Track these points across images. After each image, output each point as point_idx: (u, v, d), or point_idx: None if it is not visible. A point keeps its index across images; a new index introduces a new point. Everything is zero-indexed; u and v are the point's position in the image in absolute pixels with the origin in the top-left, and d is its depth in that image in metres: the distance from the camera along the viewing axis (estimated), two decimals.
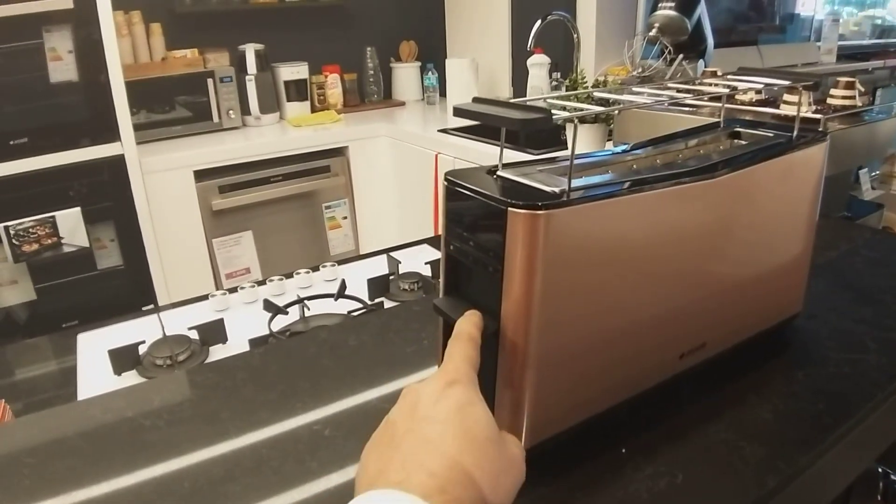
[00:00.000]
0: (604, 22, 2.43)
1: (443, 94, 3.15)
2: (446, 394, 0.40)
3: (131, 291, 2.26)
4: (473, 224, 0.50)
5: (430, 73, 3.19)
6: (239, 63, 2.71)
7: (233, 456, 0.59)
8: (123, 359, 0.96)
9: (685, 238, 0.56)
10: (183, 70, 2.55)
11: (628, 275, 0.53)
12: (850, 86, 1.39)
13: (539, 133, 2.39)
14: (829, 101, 1.41)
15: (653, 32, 1.87)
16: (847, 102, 1.39)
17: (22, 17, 1.89)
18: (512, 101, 0.48)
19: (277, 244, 2.63)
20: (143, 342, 0.99)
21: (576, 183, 0.49)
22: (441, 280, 0.55)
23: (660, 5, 1.87)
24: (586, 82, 1.86)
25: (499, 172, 0.53)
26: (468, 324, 0.47)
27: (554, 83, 2.50)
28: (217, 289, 1.21)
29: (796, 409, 0.63)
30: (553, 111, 0.44)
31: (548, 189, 0.48)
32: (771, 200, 0.64)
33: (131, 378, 0.94)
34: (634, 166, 0.61)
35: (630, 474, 0.54)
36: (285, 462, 0.58)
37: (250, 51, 2.70)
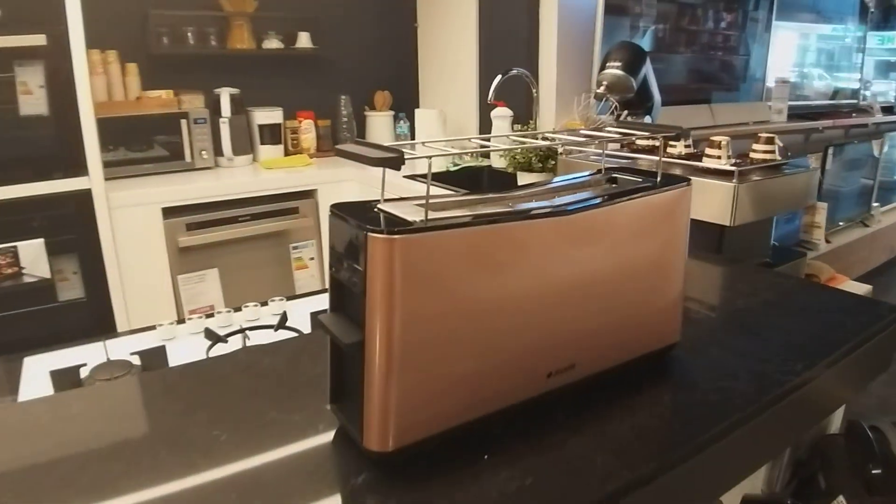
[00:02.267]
0: (563, 78, 2.56)
1: None
2: None
3: (92, 324, 2.28)
4: (346, 247, 0.57)
5: (401, 121, 3.30)
6: (214, 106, 2.79)
7: (130, 453, 0.64)
8: (64, 379, 1.00)
9: (539, 268, 0.63)
10: (157, 110, 2.62)
11: (482, 298, 0.60)
12: (769, 141, 1.50)
13: (500, 178, 2.52)
14: (752, 154, 1.51)
15: (601, 90, 1.98)
16: (767, 156, 1.49)
17: None
18: (380, 144, 0.55)
19: (243, 282, 2.67)
20: (85, 364, 1.04)
21: (439, 215, 0.56)
22: (329, 298, 0.62)
23: (607, 65, 1.99)
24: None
25: (379, 206, 0.60)
26: None
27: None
28: None
29: (656, 428, 0.69)
30: (406, 152, 0.51)
31: (409, 218, 0.55)
32: (632, 237, 0.71)
33: None
34: (510, 203, 0.68)
35: (487, 478, 0.60)
36: (179, 461, 0.63)
37: (225, 94, 2.79)
